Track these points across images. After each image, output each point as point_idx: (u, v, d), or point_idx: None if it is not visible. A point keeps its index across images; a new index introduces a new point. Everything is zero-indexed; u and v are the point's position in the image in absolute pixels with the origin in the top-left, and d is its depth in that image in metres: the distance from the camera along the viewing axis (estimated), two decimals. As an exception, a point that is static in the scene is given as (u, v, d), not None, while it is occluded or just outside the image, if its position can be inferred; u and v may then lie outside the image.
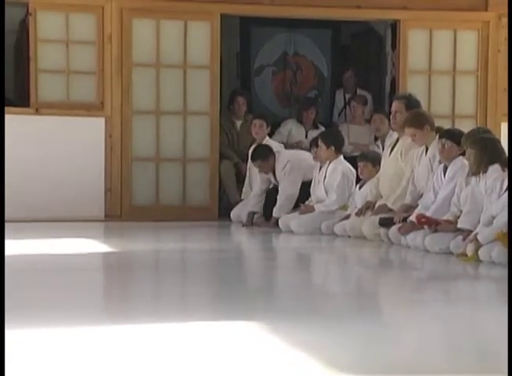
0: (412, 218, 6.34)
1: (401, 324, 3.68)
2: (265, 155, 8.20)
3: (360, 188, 7.51)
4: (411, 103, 7.10)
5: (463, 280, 5.23)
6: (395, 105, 7.17)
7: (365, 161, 7.49)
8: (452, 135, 6.40)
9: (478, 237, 5.47)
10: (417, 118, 6.76)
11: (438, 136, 6.53)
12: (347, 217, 7.36)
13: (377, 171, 7.38)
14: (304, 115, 9.33)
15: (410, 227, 6.30)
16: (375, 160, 7.45)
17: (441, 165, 6.43)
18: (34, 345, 3.10)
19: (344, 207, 7.61)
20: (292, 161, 8.16)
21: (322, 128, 9.18)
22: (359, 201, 7.40)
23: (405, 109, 7.04)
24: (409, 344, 3.25)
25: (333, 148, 7.76)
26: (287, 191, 8.06)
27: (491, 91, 9.13)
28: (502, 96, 8.90)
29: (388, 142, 7.67)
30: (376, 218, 6.86)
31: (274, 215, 8.00)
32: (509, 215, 5.35)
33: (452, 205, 6.10)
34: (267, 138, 8.71)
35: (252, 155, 8.36)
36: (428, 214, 6.23)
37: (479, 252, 5.43)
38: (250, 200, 8.36)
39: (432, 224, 6.08)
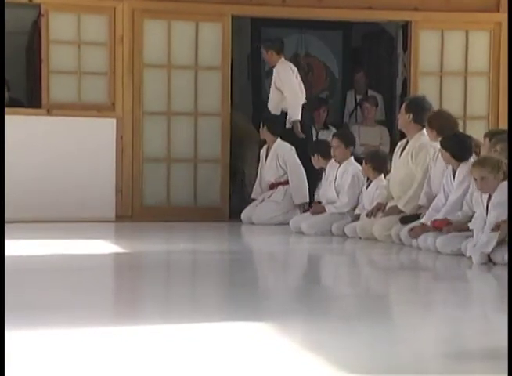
0: (424, 221, 6.33)
1: (411, 326, 3.67)
2: None
3: (367, 188, 7.51)
4: (411, 103, 7.06)
5: (474, 281, 5.22)
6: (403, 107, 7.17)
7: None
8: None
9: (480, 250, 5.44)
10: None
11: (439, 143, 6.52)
12: (358, 218, 7.36)
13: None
14: (315, 114, 9.33)
15: (421, 230, 6.29)
16: None
17: (450, 168, 6.41)
18: (43, 345, 3.11)
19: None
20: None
21: (333, 129, 9.18)
22: (366, 201, 7.39)
23: (405, 109, 7.02)
24: (418, 345, 3.24)
25: (342, 145, 7.76)
26: None
27: (503, 92, 9.09)
28: (515, 97, 8.88)
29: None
30: (388, 219, 6.87)
31: None
32: (509, 214, 5.32)
33: (465, 204, 6.08)
34: (279, 140, 8.74)
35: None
36: (438, 216, 6.22)
37: (491, 255, 5.40)
38: None
39: (445, 225, 6.07)
